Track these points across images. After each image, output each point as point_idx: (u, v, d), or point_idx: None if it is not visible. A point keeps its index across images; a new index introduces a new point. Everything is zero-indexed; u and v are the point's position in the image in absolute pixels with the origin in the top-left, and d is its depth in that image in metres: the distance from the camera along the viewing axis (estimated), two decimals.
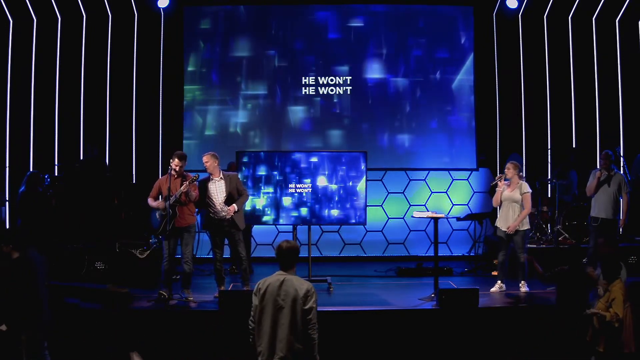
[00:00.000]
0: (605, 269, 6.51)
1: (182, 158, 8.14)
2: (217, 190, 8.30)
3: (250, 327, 5.22)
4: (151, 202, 8.21)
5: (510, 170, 8.57)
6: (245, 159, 9.27)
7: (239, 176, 8.83)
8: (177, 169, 8.07)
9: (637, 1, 11.37)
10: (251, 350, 5.18)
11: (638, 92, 11.73)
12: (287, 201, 9.24)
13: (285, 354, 5.03)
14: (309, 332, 5.09)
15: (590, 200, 9.16)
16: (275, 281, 5.15)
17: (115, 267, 9.21)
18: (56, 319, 6.91)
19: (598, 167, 9.10)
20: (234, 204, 8.25)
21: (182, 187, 7.98)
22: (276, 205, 9.24)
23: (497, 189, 8.62)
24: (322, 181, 9.26)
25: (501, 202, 8.58)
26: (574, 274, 6.72)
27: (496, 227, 8.70)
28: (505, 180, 8.58)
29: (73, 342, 7.19)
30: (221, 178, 8.34)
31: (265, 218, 9.32)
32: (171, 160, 8.13)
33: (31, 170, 10.57)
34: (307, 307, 5.08)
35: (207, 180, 8.33)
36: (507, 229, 8.45)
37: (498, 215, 8.72)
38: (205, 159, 8.34)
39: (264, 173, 9.24)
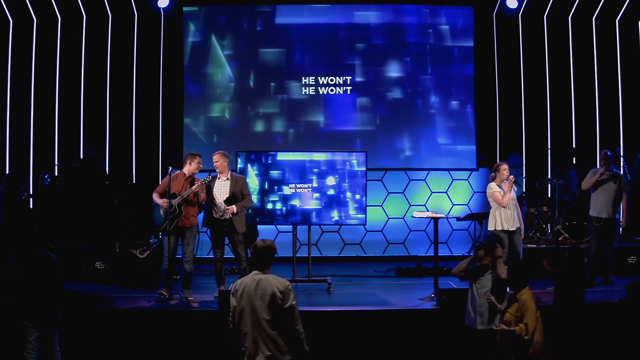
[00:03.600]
0: (513, 276, 6.33)
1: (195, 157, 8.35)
2: (222, 189, 8.32)
3: (230, 328, 5.24)
4: (156, 197, 8.22)
5: (507, 170, 8.56)
6: (245, 159, 9.27)
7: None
8: (199, 168, 8.27)
9: (637, 1, 11.37)
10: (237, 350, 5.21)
11: (638, 92, 11.73)
12: (287, 201, 9.24)
13: (270, 352, 5.07)
14: (295, 328, 5.15)
15: (589, 200, 9.16)
16: (251, 281, 5.17)
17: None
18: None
19: (599, 166, 9.05)
20: (234, 205, 8.25)
21: (193, 187, 8.01)
22: (276, 205, 9.24)
23: (500, 191, 8.49)
24: (322, 181, 9.26)
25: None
26: (572, 274, 6.73)
27: (497, 230, 8.43)
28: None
29: (72, 342, 7.18)
30: (228, 178, 8.36)
31: (265, 218, 9.32)
32: (190, 161, 8.22)
33: (12, 170, 10.53)
34: (287, 305, 5.11)
35: (214, 178, 8.37)
36: (521, 230, 8.53)
37: (501, 216, 8.46)
38: (215, 158, 8.37)
39: (264, 173, 9.24)
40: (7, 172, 11.15)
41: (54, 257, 6.49)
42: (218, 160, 8.36)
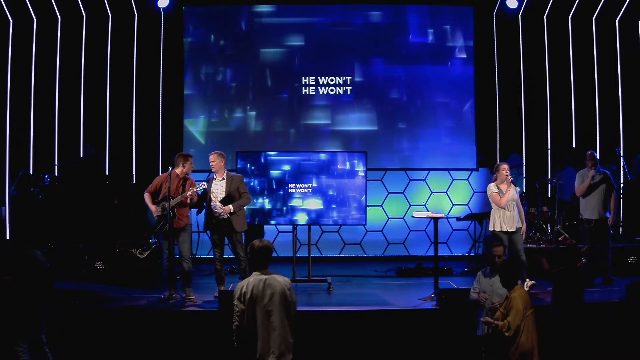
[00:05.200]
0: (503, 275, 6.31)
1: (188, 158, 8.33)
2: (218, 189, 8.31)
3: (235, 333, 5.21)
4: (147, 199, 8.22)
5: (507, 170, 8.46)
6: (244, 159, 9.27)
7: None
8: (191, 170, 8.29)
9: (637, 1, 11.37)
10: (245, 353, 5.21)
11: (638, 92, 11.73)
12: (287, 201, 9.24)
13: (281, 350, 5.10)
14: (292, 322, 5.29)
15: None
16: (257, 282, 5.18)
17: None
18: (56, 319, 6.96)
19: (590, 168, 8.99)
20: (230, 205, 8.24)
21: (188, 192, 8.00)
22: (276, 205, 9.24)
23: (499, 192, 8.39)
24: (322, 181, 9.26)
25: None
26: (570, 274, 6.73)
27: (496, 231, 8.35)
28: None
29: (72, 342, 7.18)
30: (223, 178, 8.35)
31: (265, 218, 9.31)
32: (183, 163, 8.21)
33: (23, 170, 10.53)
34: (293, 299, 5.26)
35: (212, 178, 8.37)
36: (522, 231, 8.43)
37: (500, 217, 8.37)
38: (211, 158, 8.37)
39: (263, 173, 9.24)
40: (7, 172, 11.20)
41: (39, 257, 6.43)
42: (214, 160, 8.35)
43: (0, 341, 6.46)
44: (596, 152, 9.13)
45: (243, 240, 8.53)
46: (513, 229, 8.36)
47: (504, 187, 8.43)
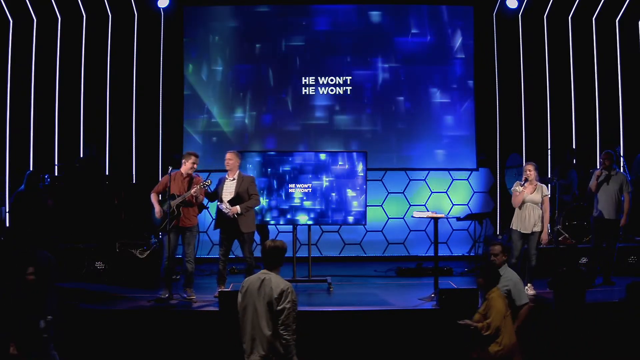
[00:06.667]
0: (486, 276, 6.27)
1: (197, 157, 8.28)
2: (228, 189, 8.31)
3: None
4: (154, 199, 8.21)
5: (533, 172, 8.37)
6: (245, 159, 9.26)
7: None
8: (194, 168, 8.21)
9: (637, 1, 11.37)
10: None
11: (638, 92, 11.73)
12: (286, 201, 9.24)
13: (265, 352, 5.04)
14: (281, 332, 5.02)
15: (589, 200, 9.16)
16: (256, 280, 5.16)
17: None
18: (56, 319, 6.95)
19: (598, 166, 9.05)
20: (237, 206, 8.23)
21: (192, 191, 8.00)
22: (276, 205, 9.24)
23: (517, 190, 8.34)
24: (322, 181, 9.26)
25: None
26: (571, 274, 6.73)
27: (512, 229, 8.39)
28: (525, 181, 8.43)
29: (72, 342, 7.18)
30: (234, 179, 8.34)
31: (265, 218, 9.32)
32: (185, 161, 8.19)
33: (30, 169, 10.55)
34: (279, 307, 5.02)
35: (224, 178, 8.37)
36: (541, 236, 8.32)
37: (516, 216, 8.36)
38: (228, 156, 8.38)
39: (263, 173, 9.24)
40: (7, 172, 11.20)
41: (38, 257, 6.40)
42: (231, 158, 8.35)
43: (0, 341, 6.46)
44: (612, 151, 9.10)
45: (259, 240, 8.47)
46: (528, 231, 8.30)
47: (531, 187, 8.38)
